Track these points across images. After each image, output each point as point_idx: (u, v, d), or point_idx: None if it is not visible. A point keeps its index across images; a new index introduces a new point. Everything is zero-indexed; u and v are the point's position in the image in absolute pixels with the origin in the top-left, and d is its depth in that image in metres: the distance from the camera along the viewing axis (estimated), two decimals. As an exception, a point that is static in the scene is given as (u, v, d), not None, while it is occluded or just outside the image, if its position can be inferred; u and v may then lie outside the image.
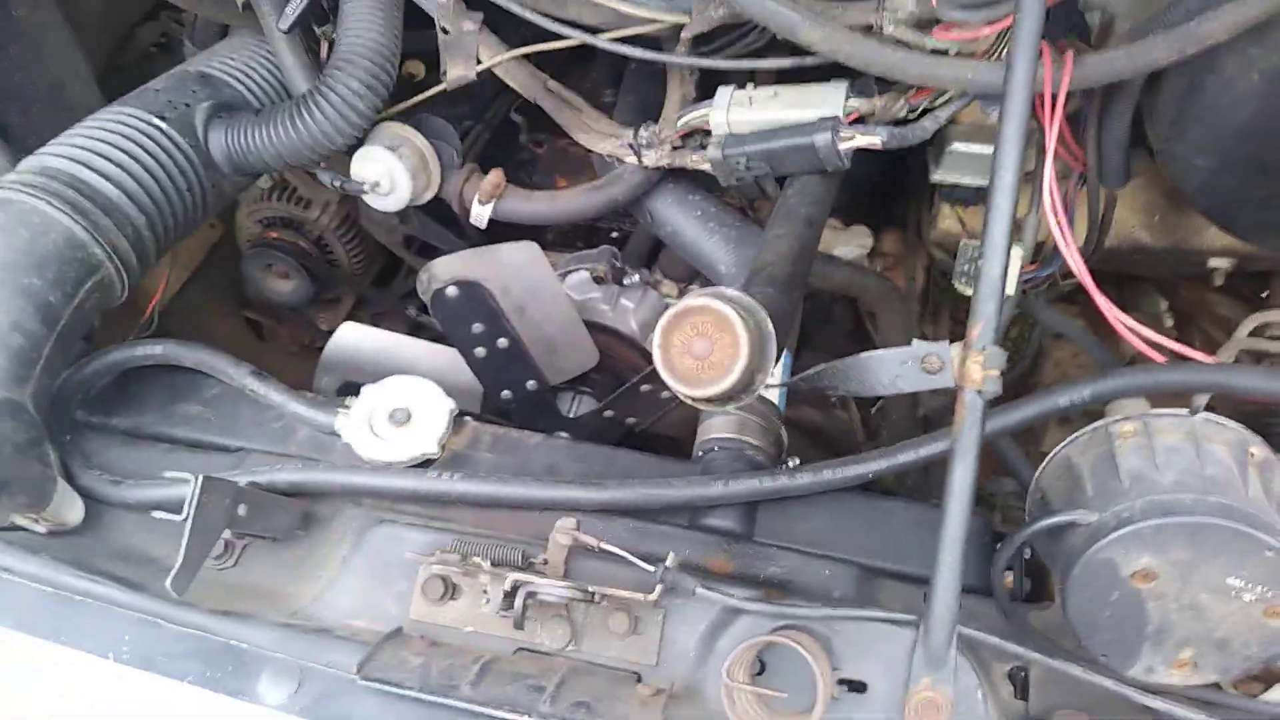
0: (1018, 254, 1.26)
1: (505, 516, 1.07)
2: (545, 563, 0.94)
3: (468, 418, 1.23)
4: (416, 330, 2.06)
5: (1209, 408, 0.93)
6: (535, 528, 1.04)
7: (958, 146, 1.42)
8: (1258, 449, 0.88)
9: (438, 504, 1.08)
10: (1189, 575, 0.80)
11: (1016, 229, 1.45)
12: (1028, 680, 0.95)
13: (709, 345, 0.78)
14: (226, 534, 1.01)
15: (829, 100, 1.23)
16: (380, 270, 2.10)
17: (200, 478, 0.88)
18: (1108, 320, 1.52)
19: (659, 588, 0.87)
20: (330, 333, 2.07)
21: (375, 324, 2.10)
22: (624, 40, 1.31)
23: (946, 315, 2.31)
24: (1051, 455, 0.93)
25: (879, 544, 1.08)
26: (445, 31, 1.35)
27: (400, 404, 1.18)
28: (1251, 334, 1.34)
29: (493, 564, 0.91)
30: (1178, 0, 1.06)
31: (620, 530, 1.05)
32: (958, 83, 1.11)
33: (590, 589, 0.90)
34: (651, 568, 0.90)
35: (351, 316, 2.08)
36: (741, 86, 1.31)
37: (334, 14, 1.37)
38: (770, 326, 0.81)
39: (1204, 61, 1.07)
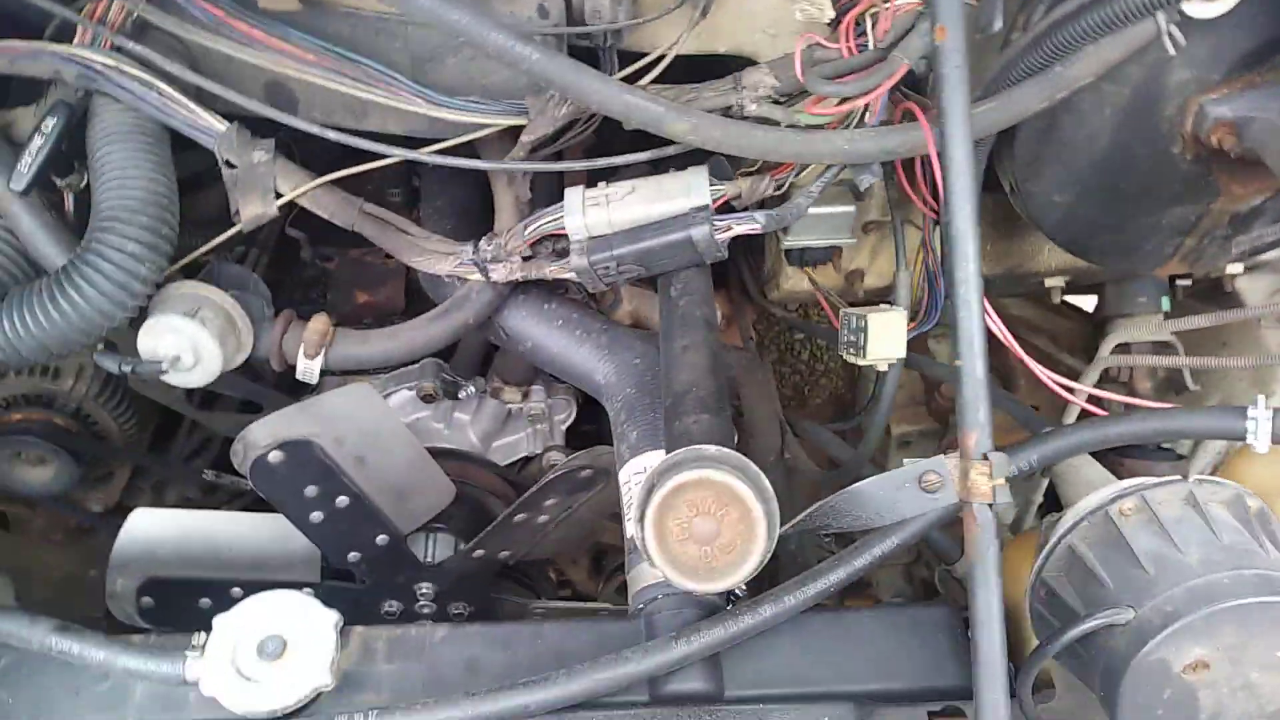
0: (902, 316, 1.23)
1: (442, 746, 0.87)
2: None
3: (353, 627, 1.02)
4: (213, 493, 1.79)
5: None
6: (483, 752, 0.85)
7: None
8: (1251, 500, 0.86)
9: (352, 751, 0.87)
10: (1239, 657, 0.76)
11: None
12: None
13: (714, 526, 0.65)
14: None
15: (694, 189, 1.13)
16: (156, 431, 1.79)
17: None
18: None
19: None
20: (105, 513, 1.77)
21: (159, 494, 1.81)
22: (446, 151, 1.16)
23: (770, 364, 2.30)
24: (1050, 547, 0.87)
25: (859, 665, 0.98)
26: (231, 165, 1.13)
27: (267, 630, 0.95)
28: (1113, 351, 1.38)
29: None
30: (1030, 46, 1.04)
31: (584, 728, 0.89)
32: (838, 155, 1.05)
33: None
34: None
35: (129, 490, 1.76)
36: (590, 185, 1.19)
37: (80, 161, 1.12)
38: (767, 483, 0.69)
39: (1059, 102, 1.07)
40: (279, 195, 1.16)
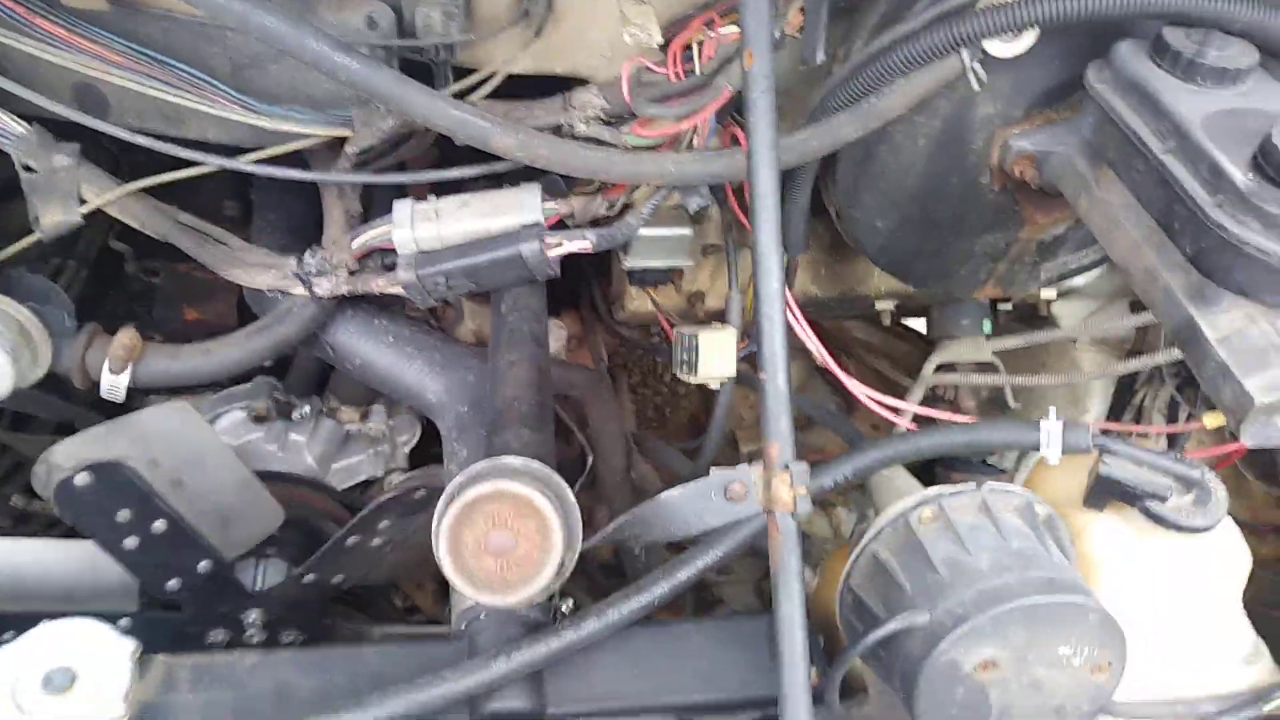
0: (732, 335, 1.25)
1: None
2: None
3: (155, 654, 0.96)
4: (25, 522, 1.67)
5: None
6: (290, 782, 0.82)
7: (644, 232, 1.38)
8: (1040, 507, 0.91)
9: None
10: (1026, 655, 0.80)
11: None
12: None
13: (510, 538, 0.64)
14: None
15: (526, 205, 1.13)
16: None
17: None
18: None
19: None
20: (-103, 552, 1.63)
21: (-33, 522, 1.68)
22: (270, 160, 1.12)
23: (624, 382, 2.31)
24: (855, 555, 0.90)
25: (683, 677, 0.99)
26: (29, 169, 1.07)
27: (55, 661, 0.89)
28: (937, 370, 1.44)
29: None
30: (848, 78, 1.09)
31: (400, 753, 0.86)
32: (665, 177, 1.07)
33: None
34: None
35: (-71, 523, 1.63)
36: (422, 198, 1.17)
37: None
38: (569, 494, 0.69)
39: (876, 133, 1.11)
40: (83, 202, 1.09)
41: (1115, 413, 1.67)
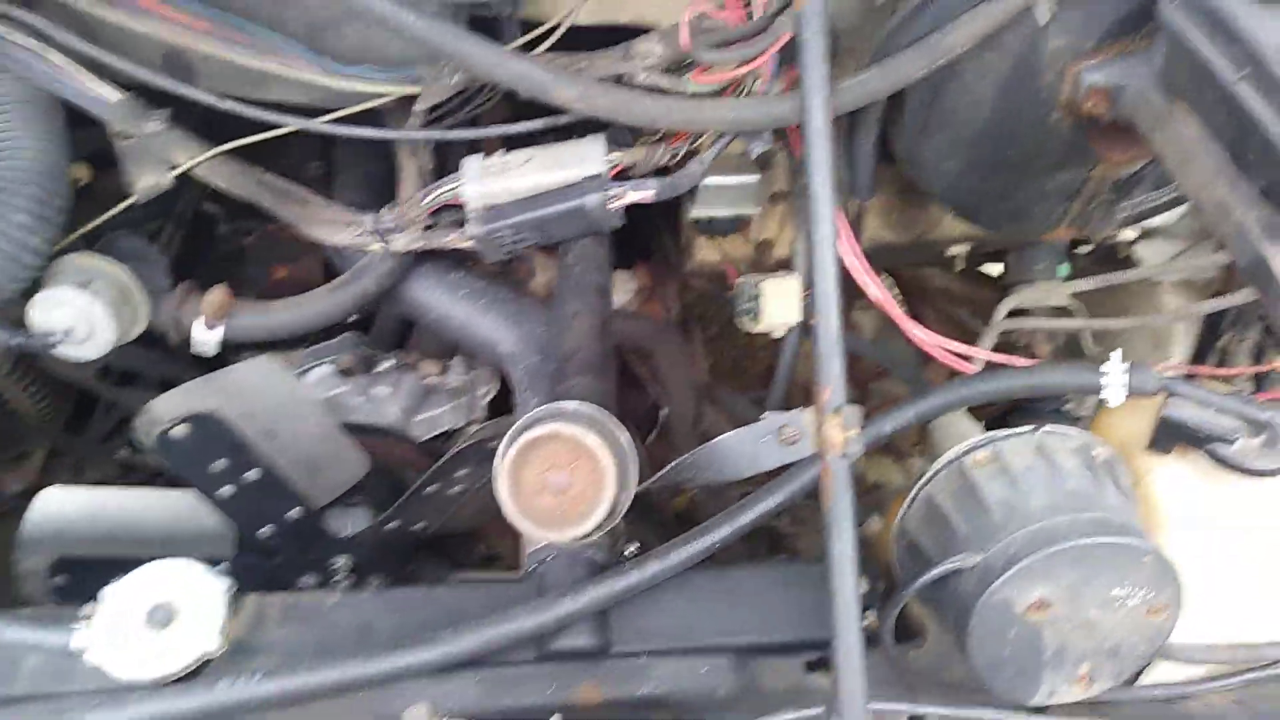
0: (796, 282, 1.25)
1: (329, 710, 0.89)
2: (402, 760, 0.78)
3: (248, 594, 1.03)
4: (130, 472, 1.78)
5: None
6: (373, 709, 0.88)
7: (709, 181, 1.38)
8: (1100, 449, 0.90)
9: (236, 718, 0.88)
10: (1078, 595, 0.80)
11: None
12: (927, 729, 0.91)
13: (567, 477, 0.67)
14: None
15: (589, 157, 1.15)
16: (73, 410, 1.77)
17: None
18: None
19: (552, 758, 0.75)
20: (21, 495, 1.75)
21: (77, 474, 1.80)
22: (345, 119, 1.16)
23: (698, 335, 2.32)
24: (910, 499, 0.91)
25: (741, 619, 1.01)
26: (125, 136, 1.13)
27: (156, 599, 0.96)
28: (1008, 315, 1.42)
29: (343, 787, 0.74)
30: (912, 15, 1.07)
31: (469, 689, 0.91)
32: (724, 124, 1.07)
33: (466, 782, 0.76)
34: (531, 734, 0.77)
35: (46, 470, 1.75)
36: (487, 153, 1.20)
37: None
38: (626, 435, 0.71)
39: (944, 71, 1.09)
40: (174, 166, 1.15)
41: (1200, 356, 1.62)
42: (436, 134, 1.17)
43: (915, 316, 2.04)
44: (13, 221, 1.04)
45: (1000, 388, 0.95)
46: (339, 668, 0.89)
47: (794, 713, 0.81)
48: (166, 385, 1.66)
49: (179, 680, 0.91)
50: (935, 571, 0.80)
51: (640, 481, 0.78)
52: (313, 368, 1.66)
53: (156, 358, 1.59)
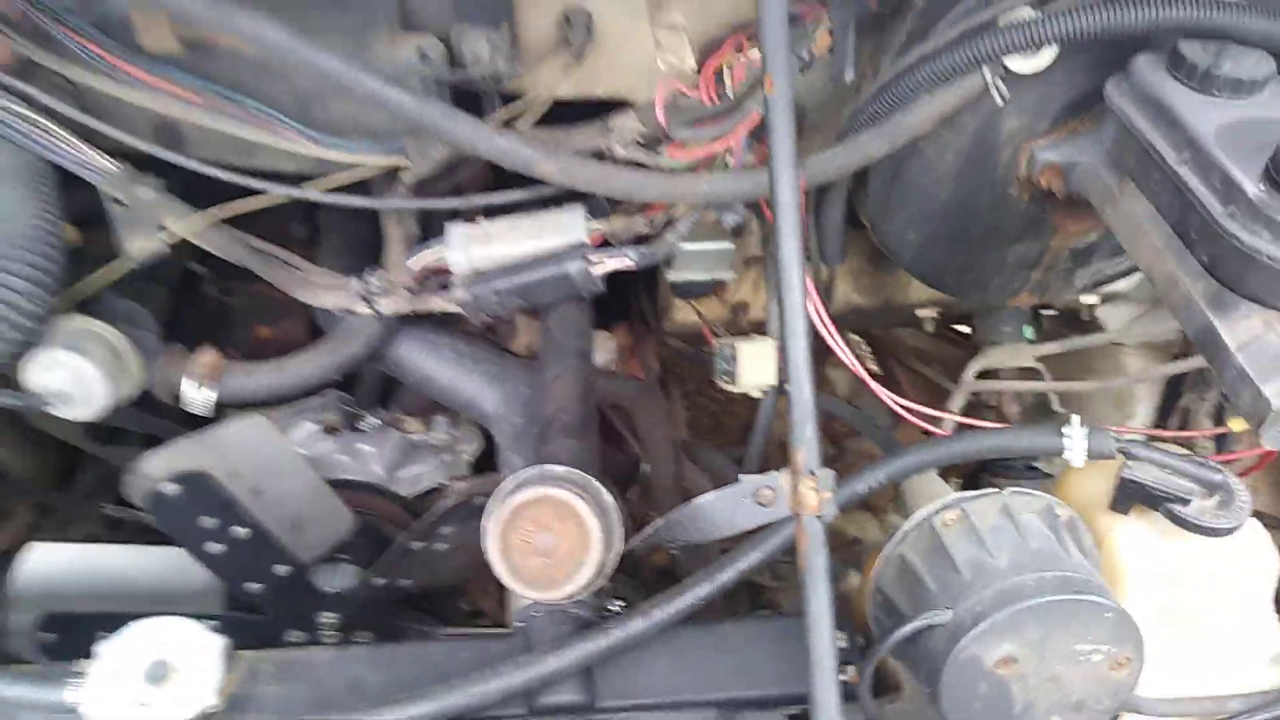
0: (771, 345, 1.30)
1: (321, 763, 0.91)
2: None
3: (241, 651, 1.05)
4: (116, 529, 1.78)
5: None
6: (361, 765, 0.89)
7: (686, 247, 1.44)
8: (1061, 510, 0.94)
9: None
10: (1044, 651, 0.84)
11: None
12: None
13: (554, 540, 0.71)
14: None
15: (570, 226, 1.20)
16: (59, 467, 1.78)
17: None
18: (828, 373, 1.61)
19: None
20: (7, 552, 1.75)
21: (63, 530, 1.80)
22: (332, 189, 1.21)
23: (676, 394, 2.36)
24: (884, 556, 0.95)
25: (726, 674, 1.04)
26: (119, 203, 1.17)
27: (152, 655, 0.97)
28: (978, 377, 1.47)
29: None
30: (876, 95, 1.13)
31: (462, 740, 0.93)
32: (699, 197, 1.12)
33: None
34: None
35: (31, 527, 1.75)
36: (471, 220, 1.24)
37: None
38: (609, 498, 0.75)
39: (907, 148, 1.15)
40: (166, 231, 1.19)
41: (1164, 417, 1.68)
42: (423, 203, 1.22)
43: (887, 375, 2.10)
44: (10, 286, 1.07)
45: (969, 449, 1.00)
46: (332, 725, 0.91)
47: (773, 764, 0.84)
48: (152, 441, 1.68)
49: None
50: (908, 628, 0.84)
51: (623, 540, 0.81)
52: (297, 425, 1.69)
53: (142, 415, 1.61)
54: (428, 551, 1.42)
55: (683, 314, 1.62)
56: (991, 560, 0.86)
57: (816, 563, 0.81)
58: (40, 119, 1.16)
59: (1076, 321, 1.72)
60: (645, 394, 1.66)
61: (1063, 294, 1.41)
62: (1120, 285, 1.58)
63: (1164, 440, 1.47)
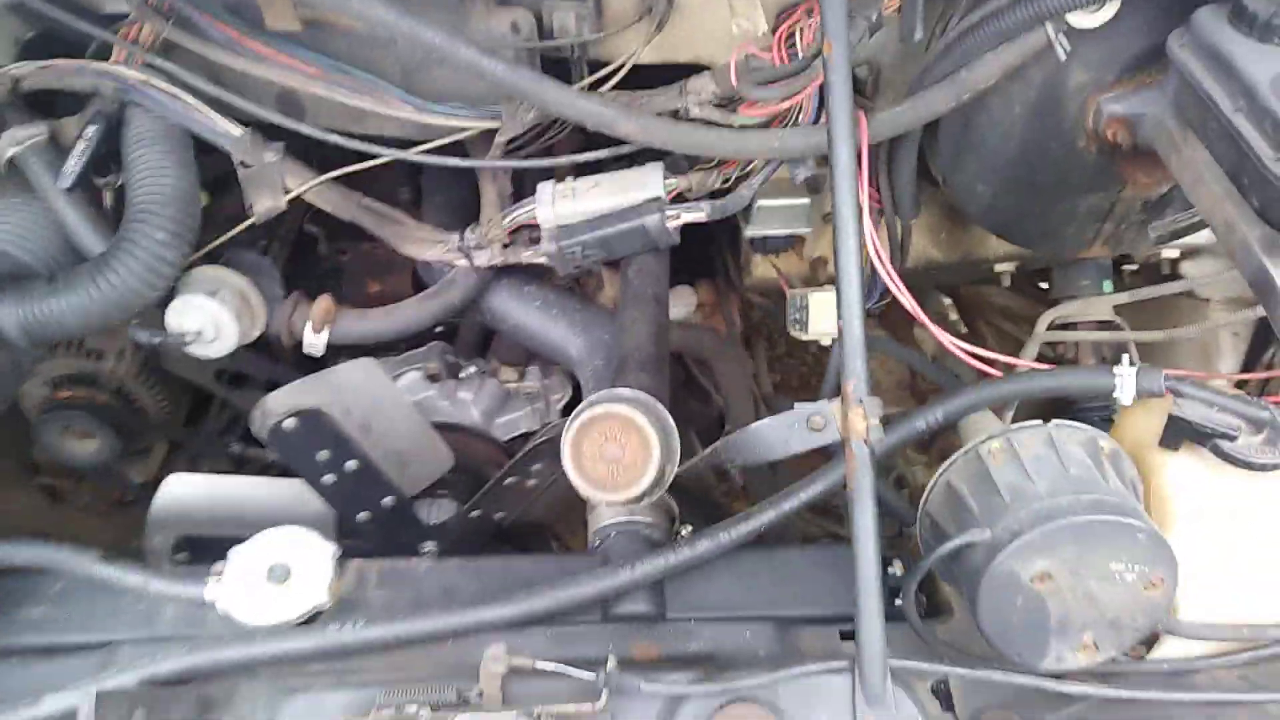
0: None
1: (420, 654, 1.03)
2: (481, 695, 0.91)
3: (350, 559, 1.18)
4: (242, 465, 1.96)
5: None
6: (454, 660, 1.01)
7: (764, 203, 1.50)
8: (1105, 442, 0.99)
9: (344, 657, 1.03)
10: (1079, 569, 0.89)
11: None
12: (949, 692, 1.01)
13: (619, 449, 0.80)
14: (125, 749, 0.92)
15: (649, 183, 1.28)
16: (190, 409, 1.97)
17: (94, 692, 0.80)
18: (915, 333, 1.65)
19: (605, 693, 0.87)
20: (144, 485, 1.95)
21: (193, 468, 1.98)
22: (433, 150, 1.32)
23: (761, 349, 2.43)
24: (933, 483, 1.01)
25: (785, 594, 1.12)
26: (245, 165, 1.30)
27: (275, 559, 1.11)
28: (1049, 327, 1.50)
29: (432, 709, 0.88)
30: (942, 53, 1.18)
31: (540, 641, 1.03)
32: (769, 151, 1.19)
33: (537, 711, 0.88)
34: (589, 675, 0.90)
35: (167, 462, 1.94)
36: (559, 179, 1.34)
37: (115, 164, 1.30)
38: (669, 418, 0.84)
39: (974, 103, 1.20)
40: (287, 191, 1.32)
41: (1249, 369, 1.67)
42: (514, 162, 1.32)
43: (973, 332, 2.12)
44: (154, 238, 1.22)
45: (1021, 388, 1.05)
46: (428, 619, 1.03)
47: (822, 664, 0.92)
48: (273, 386, 1.85)
49: (299, 627, 1.05)
50: (950, 545, 0.91)
51: (684, 461, 0.90)
52: (404, 373, 1.83)
53: (265, 362, 1.78)
54: (519, 486, 1.54)
55: (763, 269, 1.68)
56: (1031, 485, 0.92)
57: (864, 484, 0.89)
58: (179, 92, 1.30)
59: (1158, 276, 1.72)
60: (725, 347, 1.75)
61: (1137, 245, 1.43)
62: (1201, 238, 1.58)
63: (1246, 384, 1.48)
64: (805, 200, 1.47)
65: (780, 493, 1.13)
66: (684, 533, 1.16)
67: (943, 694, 1.01)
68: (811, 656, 0.99)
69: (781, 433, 0.92)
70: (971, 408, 1.07)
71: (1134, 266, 1.74)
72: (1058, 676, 0.95)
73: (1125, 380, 1.00)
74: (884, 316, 2.09)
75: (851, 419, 0.89)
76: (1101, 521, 0.87)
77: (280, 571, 1.10)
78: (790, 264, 1.65)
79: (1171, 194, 1.35)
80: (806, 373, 2.85)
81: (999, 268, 1.68)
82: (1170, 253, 1.62)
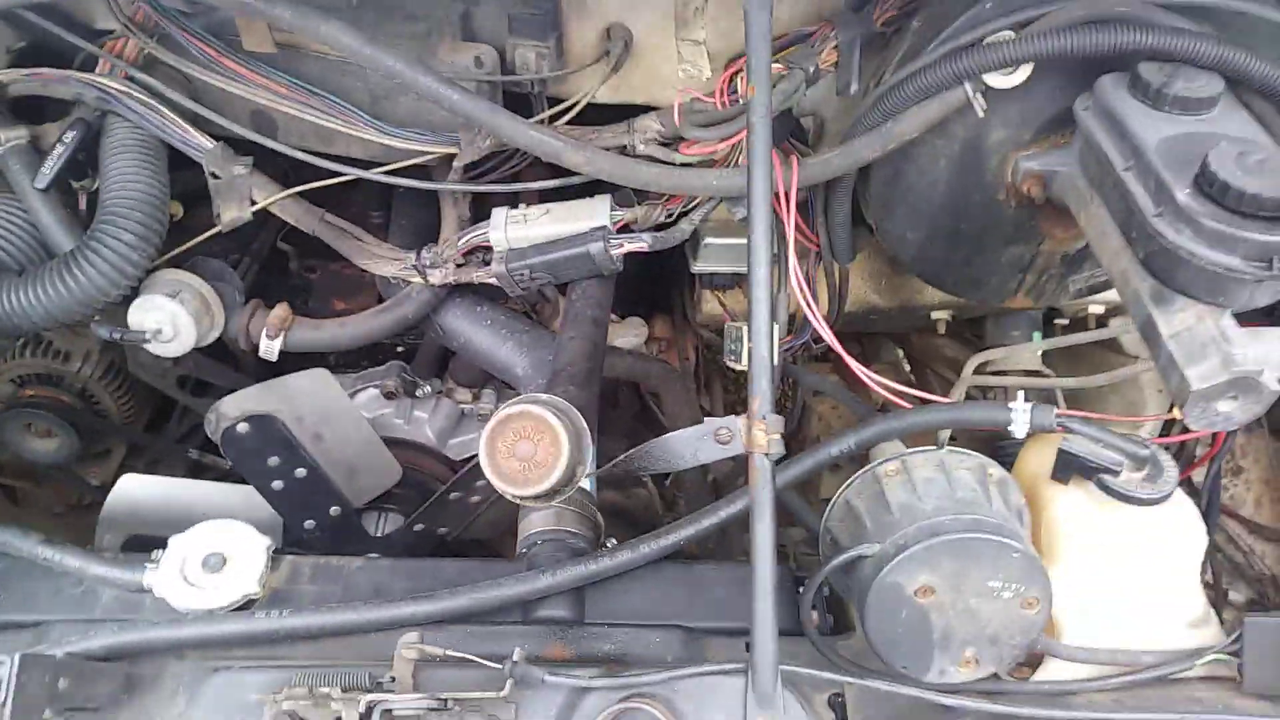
0: (775, 329, 1.43)
1: (342, 645, 1.07)
2: (394, 680, 0.96)
3: (286, 554, 1.23)
4: (199, 471, 2.00)
5: (955, 440, 1.12)
6: (374, 650, 1.06)
7: (711, 240, 1.58)
8: (994, 469, 1.06)
9: (269, 644, 1.07)
10: (959, 584, 0.95)
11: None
12: (844, 704, 1.06)
13: (532, 447, 0.86)
14: (47, 713, 0.96)
15: (596, 212, 1.36)
16: (152, 414, 2.02)
17: (16, 656, 0.85)
18: (858, 375, 1.73)
19: (509, 683, 0.92)
20: (102, 487, 1.98)
21: (151, 472, 2.02)
22: (395, 171, 1.39)
23: (718, 386, 2.50)
24: (833, 501, 1.07)
25: (698, 606, 1.18)
26: (216, 176, 1.37)
27: (212, 549, 1.16)
28: (976, 371, 1.57)
29: (343, 690, 0.92)
30: (872, 105, 1.27)
31: (459, 637, 1.08)
32: (705, 189, 1.27)
33: (443, 696, 0.93)
34: (497, 665, 0.95)
35: (125, 466, 1.99)
36: (514, 205, 1.41)
37: (92, 168, 1.36)
38: (583, 422, 0.90)
39: (902, 154, 1.28)
40: (254, 203, 1.39)
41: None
42: (468, 186, 1.40)
43: (920, 380, 2.19)
44: (121, 239, 1.28)
45: (927, 420, 1.11)
46: (351, 611, 1.08)
47: (718, 666, 0.98)
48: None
49: (229, 613, 1.10)
50: (841, 558, 0.97)
51: (601, 466, 0.96)
52: (360, 390, 1.88)
53: (226, 370, 1.83)
54: (463, 502, 1.59)
55: (710, 305, 1.76)
56: (920, 504, 0.98)
57: (764, 495, 0.95)
58: (157, 104, 1.37)
59: (1085, 329, 1.80)
60: (673, 378, 1.81)
61: (1057, 297, 1.51)
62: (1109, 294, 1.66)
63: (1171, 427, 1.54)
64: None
65: (700, 511, 1.19)
66: (608, 545, 1.22)
67: (838, 706, 1.06)
68: (713, 663, 1.05)
69: (691, 443, 0.98)
70: (882, 437, 1.14)
71: (1065, 320, 1.82)
72: (945, 690, 1.01)
73: (1019, 415, 1.07)
74: (838, 361, 2.17)
75: (755, 434, 0.95)
76: (980, 539, 0.94)
77: (216, 560, 1.15)
78: (734, 301, 1.73)
79: (1087, 250, 1.43)
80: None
81: (935, 314, 1.76)
82: (1096, 308, 1.71)
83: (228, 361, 1.87)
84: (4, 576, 1.18)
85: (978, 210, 1.35)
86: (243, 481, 1.58)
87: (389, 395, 1.86)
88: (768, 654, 0.94)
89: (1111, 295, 1.62)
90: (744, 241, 1.51)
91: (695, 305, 1.85)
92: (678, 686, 0.97)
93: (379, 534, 1.66)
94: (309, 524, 1.54)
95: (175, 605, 1.11)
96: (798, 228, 1.44)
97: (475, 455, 1.90)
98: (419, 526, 1.62)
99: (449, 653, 0.95)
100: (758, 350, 0.97)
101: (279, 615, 1.07)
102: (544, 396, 0.91)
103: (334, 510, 1.54)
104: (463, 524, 1.65)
